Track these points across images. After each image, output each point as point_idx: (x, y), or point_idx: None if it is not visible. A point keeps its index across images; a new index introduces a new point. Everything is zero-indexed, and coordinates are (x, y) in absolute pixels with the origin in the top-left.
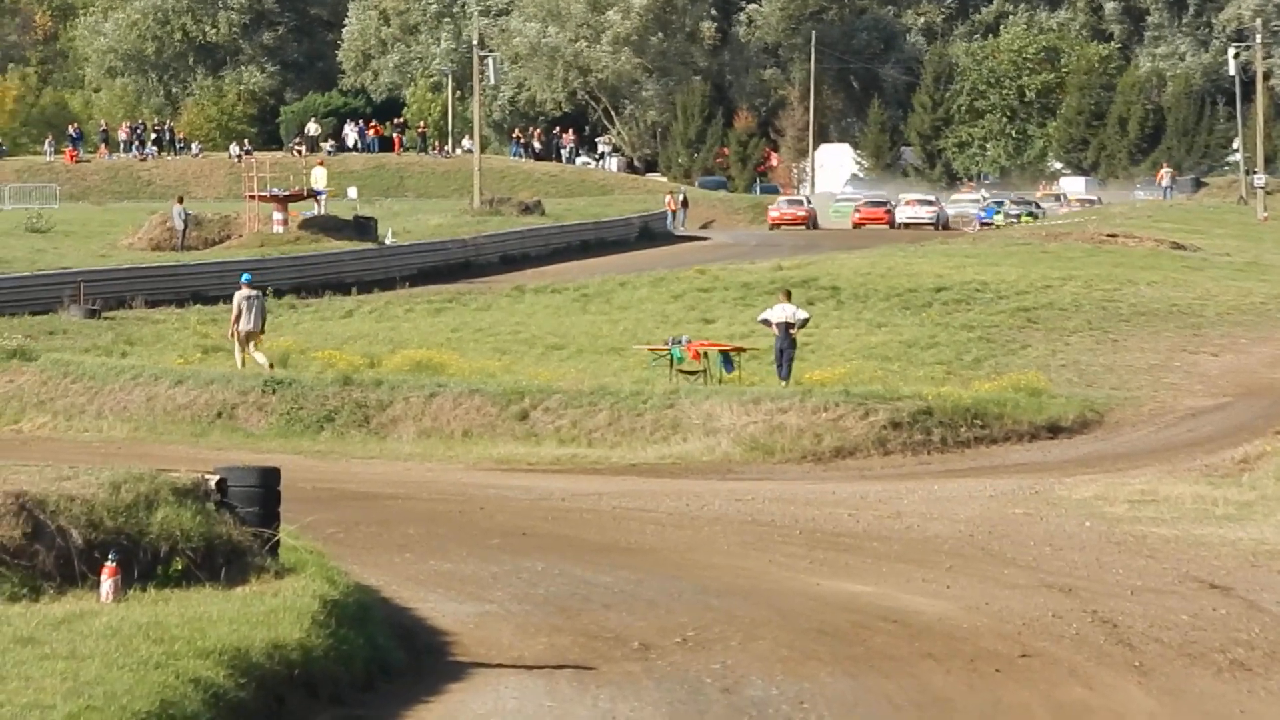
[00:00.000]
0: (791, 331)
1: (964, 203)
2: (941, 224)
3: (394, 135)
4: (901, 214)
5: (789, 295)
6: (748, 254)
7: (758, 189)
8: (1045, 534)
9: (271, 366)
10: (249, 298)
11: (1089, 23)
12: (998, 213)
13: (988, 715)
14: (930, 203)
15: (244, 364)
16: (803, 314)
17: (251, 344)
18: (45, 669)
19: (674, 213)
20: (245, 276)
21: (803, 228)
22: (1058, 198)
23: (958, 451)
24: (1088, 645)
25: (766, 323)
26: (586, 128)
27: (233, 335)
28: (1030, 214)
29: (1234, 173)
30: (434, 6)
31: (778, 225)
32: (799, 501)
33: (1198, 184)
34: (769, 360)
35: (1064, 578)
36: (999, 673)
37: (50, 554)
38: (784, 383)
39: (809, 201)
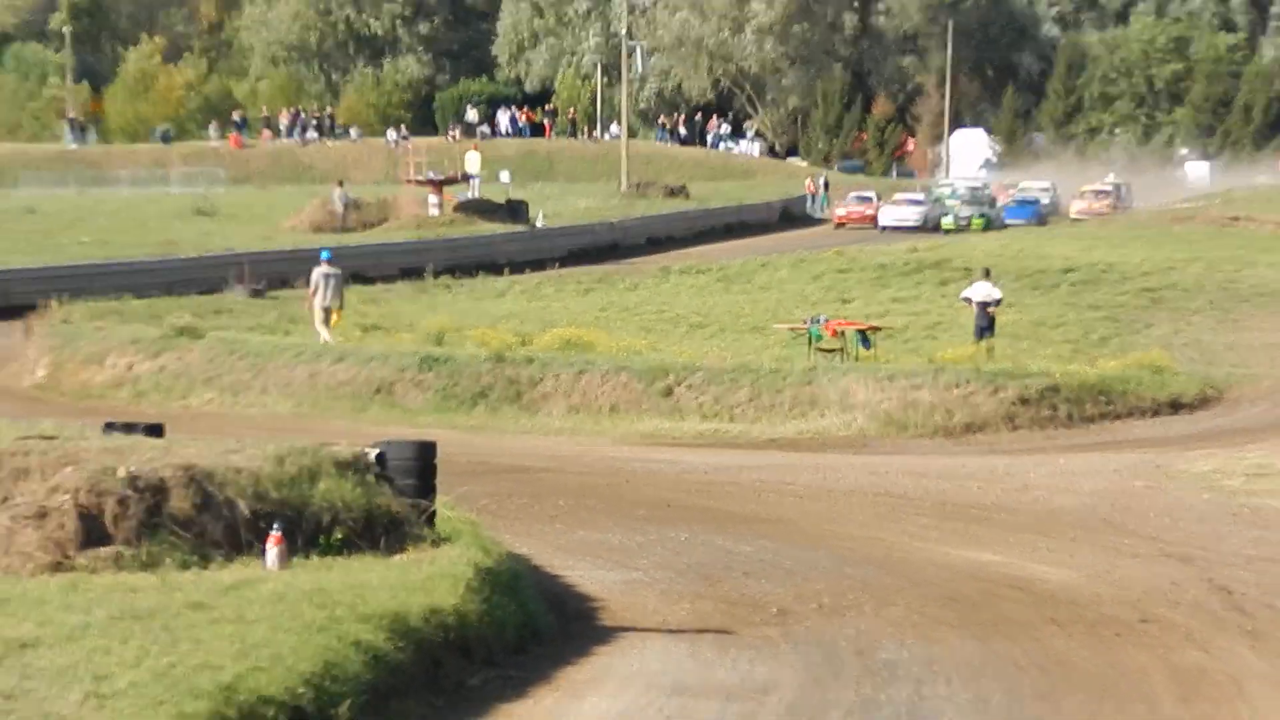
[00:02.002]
0: (989, 309)
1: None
2: (931, 225)
3: (545, 121)
4: (885, 216)
5: (988, 274)
6: (884, 237)
7: (894, 173)
8: (1165, 506)
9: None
10: (327, 275)
11: (1217, 12)
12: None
13: (1107, 678)
14: (919, 202)
15: (328, 337)
16: (997, 293)
17: (328, 318)
18: (214, 632)
19: (814, 196)
20: (325, 254)
21: (870, 227)
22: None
23: (1083, 427)
24: (1204, 611)
25: (967, 301)
26: (730, 114)
27: (309, 309)
28: (983, 215)
29: None
30: (584, 1)
31: (843, 224)
32: (931, 475)
33: None
34: (904, 338)
35: (1182, 547)
36: (1119, 637)
37: (218, 524)
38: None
39: (879, 198)
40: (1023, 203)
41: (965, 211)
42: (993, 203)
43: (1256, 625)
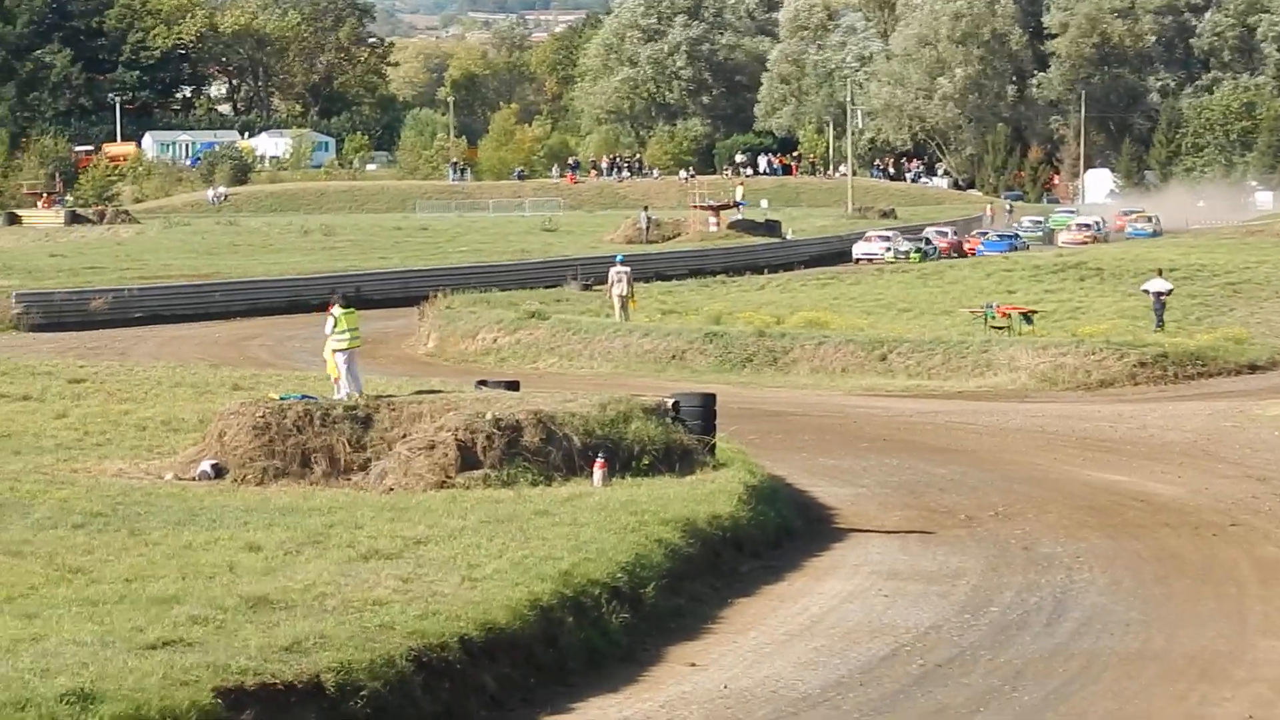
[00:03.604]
0: (1163, 297)
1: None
2: (894, 256)
3: (792, 163)
4: (857, 250)
5: (1160, 272)
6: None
7: (1044, 201)
8: (1247, 440)
9: (627, 318)
10: (618, 272)
11: (1276, 85)
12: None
13: (1207, 565)
14: (886, 239)
15: (622, 318)
16: (1168, 285)
17: (623, 304)
18: (555, 532)
19: (992, 217)
20: (618, 257)
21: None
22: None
23: (1185, 383)
24: (1277, 518)
25: (1146, 291)
26: (924, 157)
27: (607, 297)
28: (919, 250)
29: None
30: (816, 76)
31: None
32: (1074, 417)
33: None
34: (1053, 319)
35: (1260, 470)
36: (1215, 536)
37: (558, 453)
38: (1157, 330)
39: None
40: (1001, 236)
41: (904, 247)
42: (928, 240)
43: None
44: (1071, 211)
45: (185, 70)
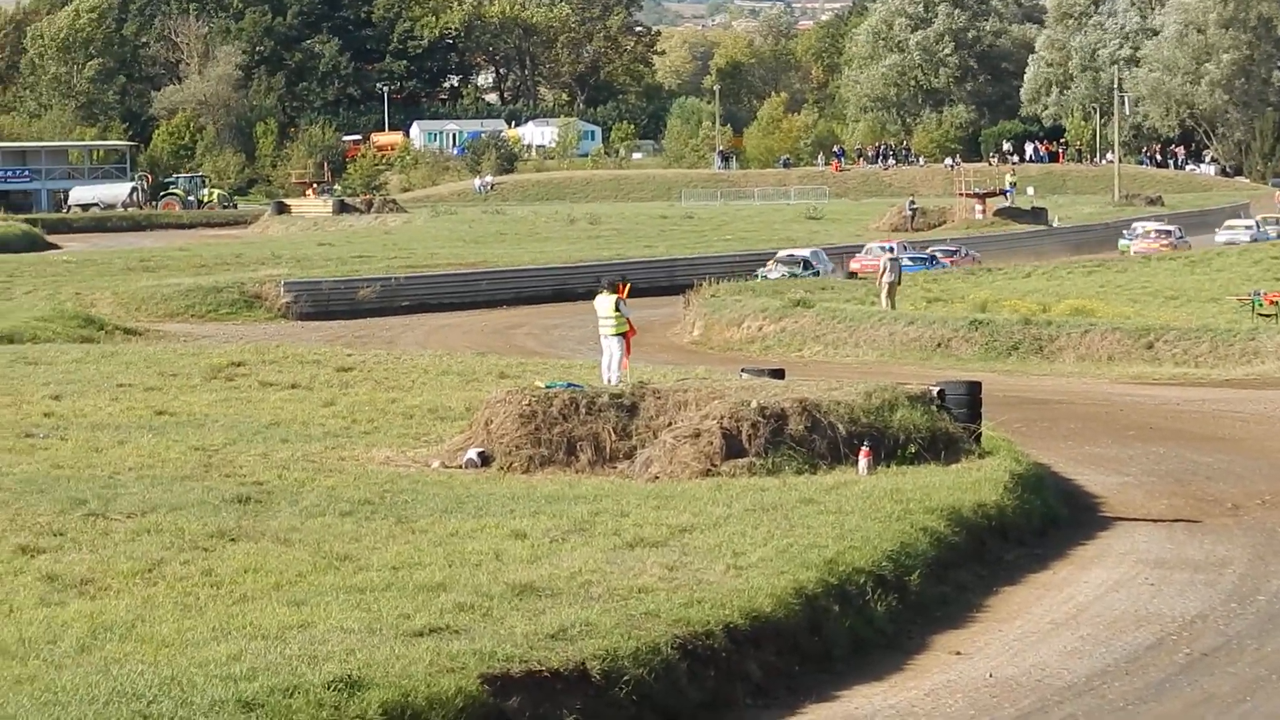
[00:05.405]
0: None
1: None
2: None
3: (1059, 150)
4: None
5: None
6: None
7: None
8: None
9: (893, 306)
10: (891, 260)
11: None
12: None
13: None
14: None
15: (888, 305)
16: None
17: (891, 291)
18: (820, 520)
19: None
20: (888, 246)
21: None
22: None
23: None
24: None
25: None
26: (1192, 144)
27: (879, 285)
28: (792, 274)
29: None
30: (1079, 59)
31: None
32: None
33: None
34: None
35: None
36: None
37: (823, 441)
38: None
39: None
40: (914, 259)
41: (775, 273)
42: (806, 264)
43: None
44: None
45: (453, 60)
